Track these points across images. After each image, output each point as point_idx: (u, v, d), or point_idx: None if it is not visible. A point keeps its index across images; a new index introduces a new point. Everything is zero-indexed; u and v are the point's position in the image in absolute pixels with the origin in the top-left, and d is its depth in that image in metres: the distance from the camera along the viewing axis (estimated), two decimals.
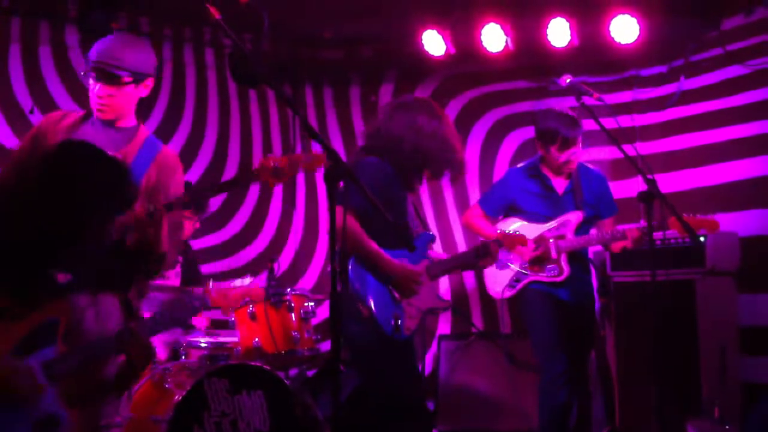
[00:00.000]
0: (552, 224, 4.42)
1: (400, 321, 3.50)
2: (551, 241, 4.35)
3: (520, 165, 4.71)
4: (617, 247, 4.36)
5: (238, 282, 3.09)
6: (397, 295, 3.55)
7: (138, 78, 3.22)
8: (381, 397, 3.56)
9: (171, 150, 3.41)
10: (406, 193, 3.72)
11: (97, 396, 2.83)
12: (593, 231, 4.47)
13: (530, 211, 4.51)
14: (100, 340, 2.66)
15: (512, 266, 4.43)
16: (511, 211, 4.61)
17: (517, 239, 4.13)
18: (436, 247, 6.42)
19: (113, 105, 3.22)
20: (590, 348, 4.56)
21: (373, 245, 3.48)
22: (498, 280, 4.55)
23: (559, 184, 4.53)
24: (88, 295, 3.01)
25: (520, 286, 4.45)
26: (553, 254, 4.36)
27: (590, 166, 4.65)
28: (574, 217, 4.40)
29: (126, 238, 3.02)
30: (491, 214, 4.67)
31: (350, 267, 3.55)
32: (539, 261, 4.36)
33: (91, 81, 3.22)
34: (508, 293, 4.49)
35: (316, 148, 6.78)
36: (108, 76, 3.18)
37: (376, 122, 3.74)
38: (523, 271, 4.42)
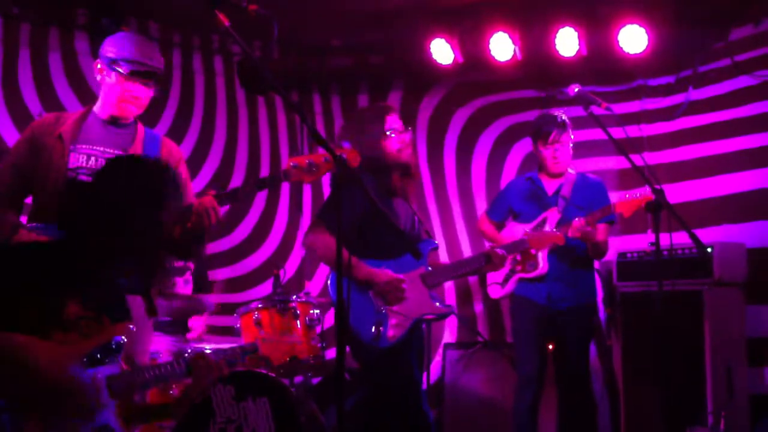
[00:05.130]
0: (533, 222, 4.55)
1: (381, 329, 3.51)
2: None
3: (523, 174, 4.93)
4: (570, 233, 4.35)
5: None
6: (379, 303, 3.56)
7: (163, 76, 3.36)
8: (377, 406, 3.57)
9: (169, 140, 3.50)
10: (389, 200, 3.75)
11: (152, 419, 2.88)
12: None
13: (521, 212, 4.68)
14: (172, 366, 2.73)
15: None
16: (513, 216, 4.78)
17: (547, 237, 4.15)
18: (443, 254, 6.44)
19: (143, 105, 3.34)
20: (581, 357, 4.54)
21: (347, 255, 3.51)
22: (492, 278, 4.74)
23: (550, 187, 4.66)
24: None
25: (509, 284, 4.62)
26: (533, 250, 4.41)
27: (591, 175, 4.75)
28: (551, 214, 4.52)
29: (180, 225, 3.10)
30: (495, 219, 4.87)
31: (330, 279, 3.61)
32: (524, 257, 4.47)
33: (119, 78, 3.26)
34: (500, 292, 4.68)
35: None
36: (149, 75, 3.28)
37: None
38: (510, 271, 4.59)
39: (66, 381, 2.43)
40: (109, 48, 3.28)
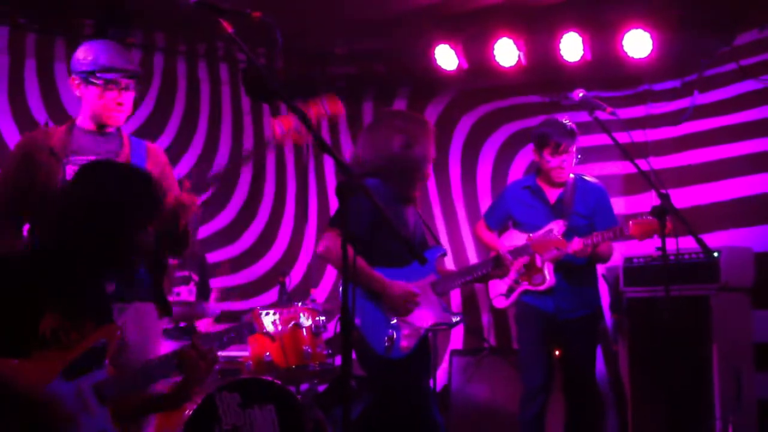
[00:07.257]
0: (537, 234, 4.39)
1: (394, 340, 3.49)
2: None
3: (519, 179, 4.86)
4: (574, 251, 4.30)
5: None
6: (391, 314, 3.54)
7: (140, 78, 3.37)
8: (384, 414, 3.55)
9: (155, 144, 3.52)
10: (401, 207, 3.71)
11: (149, 412, 2.86)
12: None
13: (524, 222, 4.58)
14: (159, 362, 2.69)
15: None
16: (513, 224, 4.70)
17: (551, 242, 4.13)
18: (448, 261, 6.43)
19: (128, 109, 3.34)
20: (587, 364, 4.50)
21: (363, 265, 3.49)
22: (496, 289, 4.65)
23: (552, 195, 4.57)
24: (128, 306, 3.09)
25: (513, 296, 4.56)
26: (538, 263, 4.42)
27: (590, 179, 4.64)
28: (557, 226, 4.39)
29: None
30: (493, 227, 4.81)
31: (341, 288, 3.59)
32: (529, 270, 4.44)
33: (97, 90, 3.26)
34: (504, 303, 4.62)
35: (329, 163, 6.80)
36: (127, 80, 3.28)
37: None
38: (514, 282, 4.52)
39: (44, 399, 2.39)
40: (80, 62, 3.28)
